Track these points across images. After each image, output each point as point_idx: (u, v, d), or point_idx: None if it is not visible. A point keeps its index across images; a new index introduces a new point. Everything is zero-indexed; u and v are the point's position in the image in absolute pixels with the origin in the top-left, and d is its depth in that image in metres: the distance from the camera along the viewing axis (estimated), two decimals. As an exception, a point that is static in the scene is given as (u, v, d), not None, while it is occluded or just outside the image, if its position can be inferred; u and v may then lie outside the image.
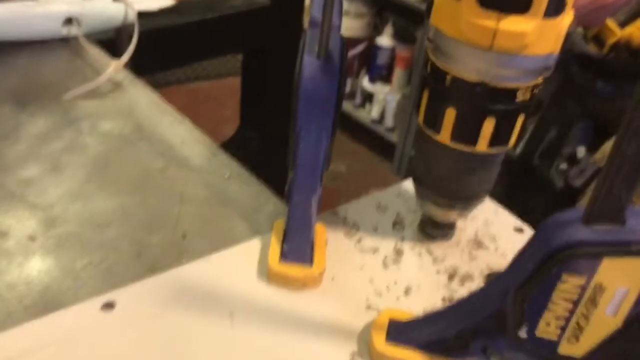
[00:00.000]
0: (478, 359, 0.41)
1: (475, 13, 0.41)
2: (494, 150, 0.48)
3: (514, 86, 0.44)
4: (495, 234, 0.58)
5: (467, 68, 0.44)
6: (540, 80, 0.45)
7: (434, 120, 0.48)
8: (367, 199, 0.60)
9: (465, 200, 0.52)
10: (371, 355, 0.45)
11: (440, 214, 0.54)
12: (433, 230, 0.56)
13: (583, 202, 1.05)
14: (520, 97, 0.45)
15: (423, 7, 2.17)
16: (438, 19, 0.45)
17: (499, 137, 0.47)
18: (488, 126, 0.46)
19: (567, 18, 0.42)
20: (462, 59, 0.44)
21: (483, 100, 0.45)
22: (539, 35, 0.41)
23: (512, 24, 0.41)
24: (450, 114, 0.46)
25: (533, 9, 0.40)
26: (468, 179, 0.51)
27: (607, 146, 1.02)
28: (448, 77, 0.45)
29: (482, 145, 0.47)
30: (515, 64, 0.43)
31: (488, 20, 0.41)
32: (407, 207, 0.59)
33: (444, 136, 0.48)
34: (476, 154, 0.48)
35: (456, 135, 0.47)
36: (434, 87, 0.47)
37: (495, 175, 0.52)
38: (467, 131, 0.47)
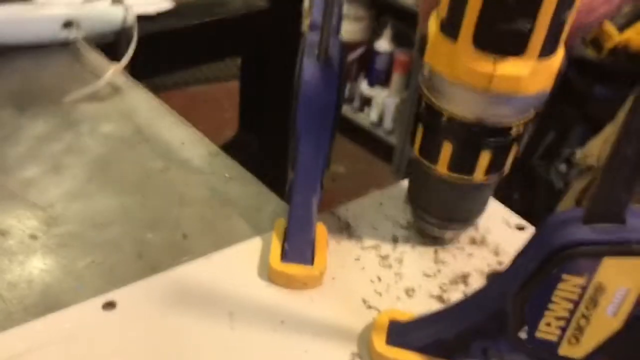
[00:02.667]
0: (478, 360, 0.41)
1: (472, 57, 0.41)
2: (490, 178, 0.49)
3: (510, 123, 0.45)
4: (497, 232, 0.58)
5: (464, 108, 0.45)
6: (533, 113, 0.46)
7: (430, 153, 0.49)
8: (367, 199, 0.60)
9: (460, 222, 0.53)
10: (371, 356, 0.45)
11: (436, 233, 0.55)
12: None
13: (565, 203, 1.06)
14: (514, 131, 0.46)
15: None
16: (433, 59, 0.45)
17: (495, 166, 0.48)
18: (484, 158, 0.47)
19: (559, 55, 0.43)
20: (458, 99, 0.45)
21: (479, 137, 0.46)
22: (534, 76, 0.42)
23: (509, 68, 0.41)
24: (446, 148, 0.47)
25: (529, 51, 0.40)
26: (463, 204, 0.51)
27: (589, 147, 1.02)
28: (444, 116, 0.46)
29: (479, 175, 0.48)
30: (510, 104, 0.44)
31: (485, 65, 0.41)
32: (407, 206, 0.59)
33: (441, 168, 0.48)
34: (471, 184, 0.49)
35: (453, 167, 0.48)
36: (430, 122, 0.47)
37: (489, 197, 0.53)
38: (464, 164, 0.48)
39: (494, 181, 0.50)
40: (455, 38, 0.41)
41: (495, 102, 0.43)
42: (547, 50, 0.41)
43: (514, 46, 0.40)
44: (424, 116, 0.48)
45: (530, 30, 0.39)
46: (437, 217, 0.53)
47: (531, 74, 0.41)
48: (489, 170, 0.48)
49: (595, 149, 0.99)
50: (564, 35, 0.42)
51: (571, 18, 0.41)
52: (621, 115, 0.96)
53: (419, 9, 0.51)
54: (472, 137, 0.46)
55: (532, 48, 0.40)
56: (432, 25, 0.44)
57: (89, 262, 0.51)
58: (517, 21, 0.39)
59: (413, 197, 0.54)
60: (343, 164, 2.42)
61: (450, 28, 0.42)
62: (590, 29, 1.19)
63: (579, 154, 1.04)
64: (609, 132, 0.98)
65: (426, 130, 0.48)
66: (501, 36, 0.40)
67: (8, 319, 0.46)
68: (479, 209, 0.53)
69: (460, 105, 0.45)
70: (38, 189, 0.58)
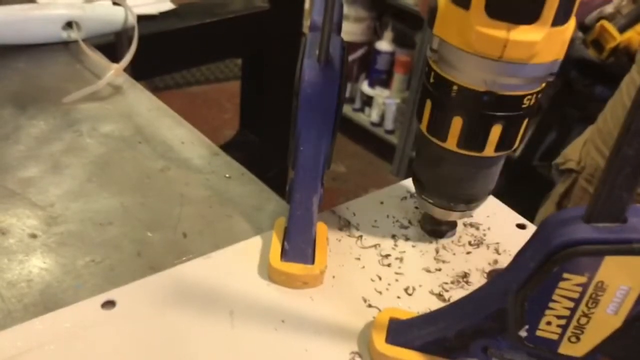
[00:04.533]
0: (479, 359, 0.41)
1: (485, 24, 0.40)
2: (500, 153, 0.48)
3: (521, 93, 0.44)
4: (498, 230, 0.58)
5: (475, 78, 0.44)
6: (544, 85, 0.46)
7: (440, 129, 0.48)
8: (368, 198, 0.60)
9: (468, 202, 0.52)
10: (371, 355, 0.45)
11: (442, 215, 0.54)
12: (435, 227, 0.56)
13: (546, 207, 1.05)
14: (526, 103, 0.45)
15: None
16: (443, 30, 0.44)
17: (506, 141, 0.47)
18: (495, 133, 0.46)
19: (571, 25, 0.42)
20: (470, 69, 0.44)
21: (490, 109, 0.45)
22: (547, 44, 0.41)
23: (522, 34, 0.40)
24: (456, 123, 0.46)
25: (542, 19, 0.40)
26: (472, 181, 0.51)
27: (569, 150, 1.02)
28: (454, 88, 0.45)
29: (489, 150, 0.47)
30: (523, 72, 0.43)
31: (499, 31, 0.40)
32: (408, 205, 0.59)
33: (450, 144, 0.47)
34: (481, 157, 0.48)
35: (463, 142, 0.47)
36: (439, 97, 0.47)
37: (497, 175, 0.52)
38: (474, 139, 0.47)
39: (503, 157, 0.49)
40: (467, 7, 0.41)
41: (507, 71, 0.43)
42: (561, 18, 0.40)
43: (528, 13, 0.40)
44: (433, 90, 0.47)
45: None
46: (443, 197, 0.52)
47: (545, 40, 0.40)
48: (499, 145, 0.47)
49: (575, 153, 0.99)
50: (576, 3, 0.41)
51: None
52: (600, 119, 0.96)
53: None
54: (483, 109, 0.45)
55: (545, 15, 0.40)
56: None
57: (88, 261, 0.51)
58: None
59: (419, 177, 0.53)
60: (344, 163, 2.43)
61: None
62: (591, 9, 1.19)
63: (559, 157, 1.04)
64: (589, 135, 0.98)
65: (435, 105, 0.47)
66: (514, 3, 0.40)
67: (7, 317, 0.46)
68: (486, 187, 0.52)
69: (471, 76, 0.44)
70: (38, 188, 0.58)
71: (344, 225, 0.56)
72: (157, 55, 1.08)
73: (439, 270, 0.53)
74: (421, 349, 0.43)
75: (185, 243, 0.54)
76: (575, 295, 0.35)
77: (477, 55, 0.42)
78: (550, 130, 1.79)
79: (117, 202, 0.58)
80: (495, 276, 0.40)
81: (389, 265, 0.53)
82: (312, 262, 0.50)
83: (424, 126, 0.49)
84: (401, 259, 0.53)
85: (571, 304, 0.36)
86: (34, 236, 0.53)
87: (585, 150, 0.96)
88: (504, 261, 0.54)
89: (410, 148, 2.38)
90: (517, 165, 1.82)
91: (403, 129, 2.39)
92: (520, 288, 0.36)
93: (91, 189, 0.59)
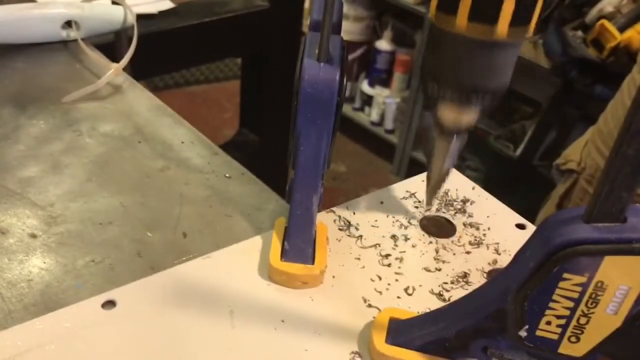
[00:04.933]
0: (479, 359, 0.41)
1: None
2: (513, 33, 0.45)
3: None
4: (498, 230, 0.58)
5: None
6: None
7: (449, 3, 0.44)
8: (368, 197, 0.60)
9: (481, 94, 0.48)
10: (371, 355, 0.45)
11: (453, 117, 0.50)
12: (445, 136, 0.52)
13: (546, 208, 1.05)
14: None
15: (422, 11, 2.18)
16: None
17: (520, 15, 0.44)
18: (509, 3, 0.43)
19: None
20: None
21: None
22: None
23: None
24: None
25: None
26: (485, 66, 0.47)
27: (569, 151, 1.02)
28: None
29: (502, 25, 0.44)
30: None
31: None
32: (408, 205, 0.59)
33: (461, 18, 0.44)
34: (494, 41, 0.45)
35: (475, 15, 0.44)
36: None
37: (511, 68, 0.48)
38: (486, 9, 0.44)
39: (515, 44, 0.46)
40: None
41: None
42: None
43: None
44: None
45: None
46: (455, 89, 0.48)
47: None
48: (514, 20, 0.43)
49: (576, 153, 0.99)
50: None
51: None
52: (601, 119, 0.96)
53: None
54: None
55: None
56: None
57: (88, 261, 0.51)
58: None
59: (430, 72, 0.50)
60: (344, 163, 2.43)
61: None
62: None
63: (559, 158, 1.03)
64: (590, 136, 0.97)
65: None
66: None
67: (8, 317, 0.46)
68: (500, 79, 0.48)
69: None
70: (38, 188, 0.58)
71: (344, 225, 0.56)
72: (157, 55, 1.08)
73: (439, 270, 0.53)
74: (421, 348, 0.43)
75: (185, 243, 0.54)
76: (575, 295, 0.35)
77: None
78: (550, 130, 1.80)
79: (116, 201, 0.58)
80: (495, 276, 0.40)
81: (389, 265, 0.53)
82: (312, 262, 0.50)
83: (432, 9, 0.46)
84: (401, 259, 0.53)
85: (571, 304, 0.36)
86: (34, 236, 0.53)
87: (586, 150, 0.96)
88: (504, 261, 0.54)
89: (410, 148, 2.38)
90: (517, 165, 1.82)
91: (403, 129, 2.39)
92: (520, 288, 0.36)
93: (91, 188, 0.59)
